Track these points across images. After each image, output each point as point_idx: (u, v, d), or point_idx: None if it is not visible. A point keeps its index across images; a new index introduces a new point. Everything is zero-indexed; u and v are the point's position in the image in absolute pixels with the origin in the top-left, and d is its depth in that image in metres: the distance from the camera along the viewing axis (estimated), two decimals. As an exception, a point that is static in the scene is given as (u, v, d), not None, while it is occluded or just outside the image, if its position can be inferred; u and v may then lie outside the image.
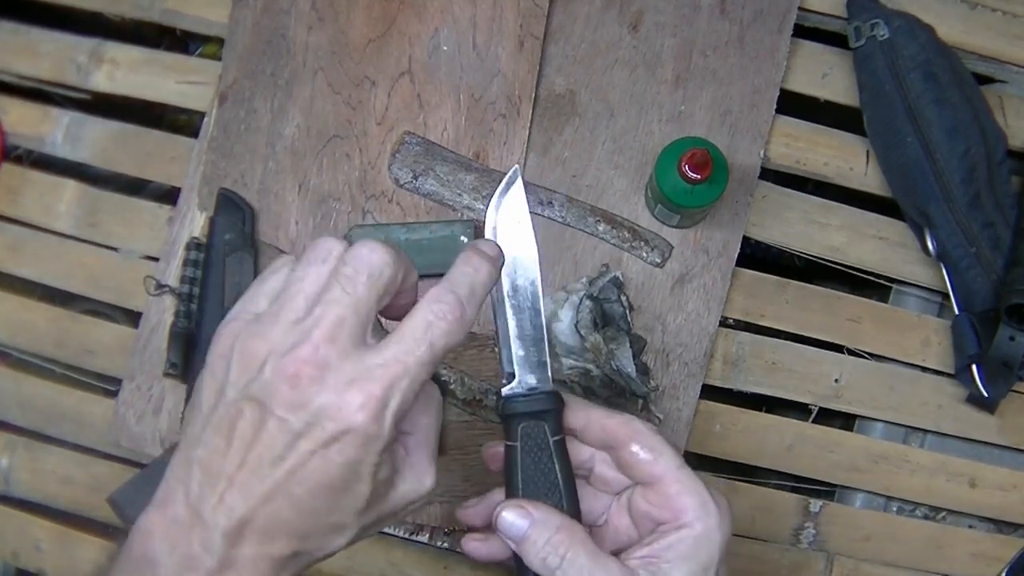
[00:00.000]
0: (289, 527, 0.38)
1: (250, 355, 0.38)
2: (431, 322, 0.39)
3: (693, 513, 0.44)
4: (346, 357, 0.37)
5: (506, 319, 0.47)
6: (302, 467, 0.37)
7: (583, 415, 0.47)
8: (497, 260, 0.43)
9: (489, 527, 0.47)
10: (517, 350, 0.47)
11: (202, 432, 0.38)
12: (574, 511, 0.46)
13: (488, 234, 0.48)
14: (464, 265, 0.41)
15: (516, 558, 0.45)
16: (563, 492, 0.46)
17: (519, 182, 0.48)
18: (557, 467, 0.46)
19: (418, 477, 0.42)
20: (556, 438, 0.46)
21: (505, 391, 0.47)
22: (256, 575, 0.38)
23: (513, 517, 0.44)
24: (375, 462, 0.38)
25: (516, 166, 0.49)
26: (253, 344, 0.38)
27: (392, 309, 0.41)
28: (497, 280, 0.44)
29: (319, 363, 0.37)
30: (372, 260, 0.39)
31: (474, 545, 0.48)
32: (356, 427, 0.37)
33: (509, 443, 0.46)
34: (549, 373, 0.47)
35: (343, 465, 0.37)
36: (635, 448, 0.46)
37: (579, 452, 0.48)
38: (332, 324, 0.38)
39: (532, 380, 0.47)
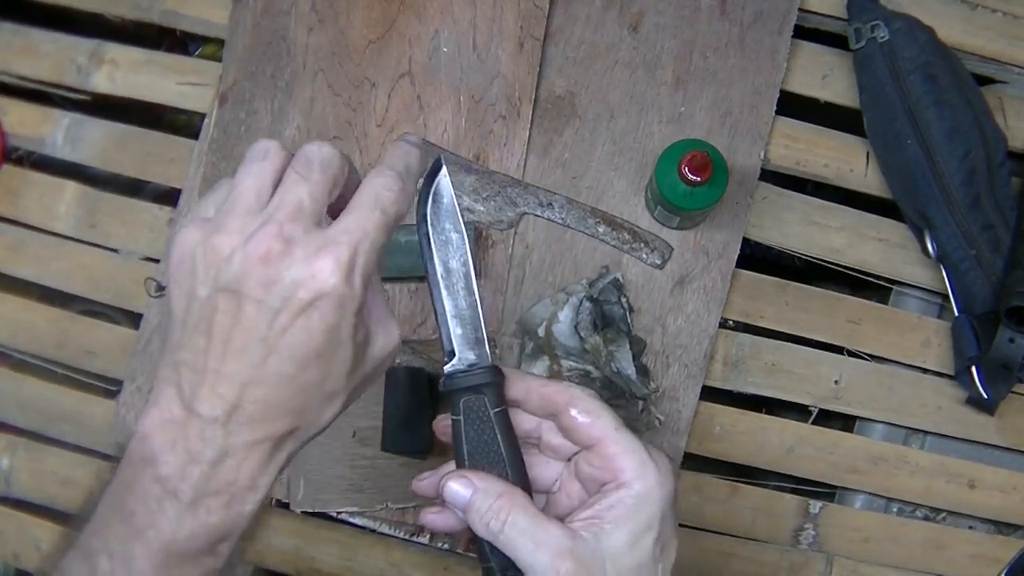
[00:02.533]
0: (283, 405, 0.39)
1: (214, 250, 0.39)
2: (379, 193, 0.42)
3: (632, 472, 0.45)
4: (309, 233, 0.39)
5: (442, 300, 0.50)
6: (285, 341, 0.38)
7: (523, 386, 0.49)
8: (420, 148, 0.47)
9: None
10: (455, 328, 0.49)
11: (181, 336, 0.40)
12: (520, 479, 0.47)
13: (418, 218, 0.50)
14: (395, 150, 0.45)
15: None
16: (507, 461, 0.47)
17: (444, 170, 0.50)
18: (499, 438, 0.48)
19: (387, 332, 0.44)
20: (497, 410, 0.48)
21: (447, 368, 0.49)
22: (256, 458, 0.39)
23: (457, 486, 0.46)
24: (352, 323, 0.40)
25: (441, 154, 0.51)
26: (216, 239, 0.39)
27: (339, 203, 0.43)
28: (423, 166, 0.47)
29: (286, 239, 0.39)
30: (323, 152, 0.41)
31: (430, 518, 0.50)
32: (330, 291, 0.38)
33: (453, 417, 0.48)
34: (487, 349, 0.49)
35: (324, 331, 0.39)
36: (573, 412, 0.47)
37: (525, 421, 0.50)
38: (293, 206, 0.39)
39: (471, 356, 0.49)
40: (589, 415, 0.47)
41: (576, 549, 0.44)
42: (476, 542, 0.47)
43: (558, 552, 0.43)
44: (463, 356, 0.49)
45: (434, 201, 0.50)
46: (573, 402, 0.47)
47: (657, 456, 0.46)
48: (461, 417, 0.48)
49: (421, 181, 0.49)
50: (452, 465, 0.49)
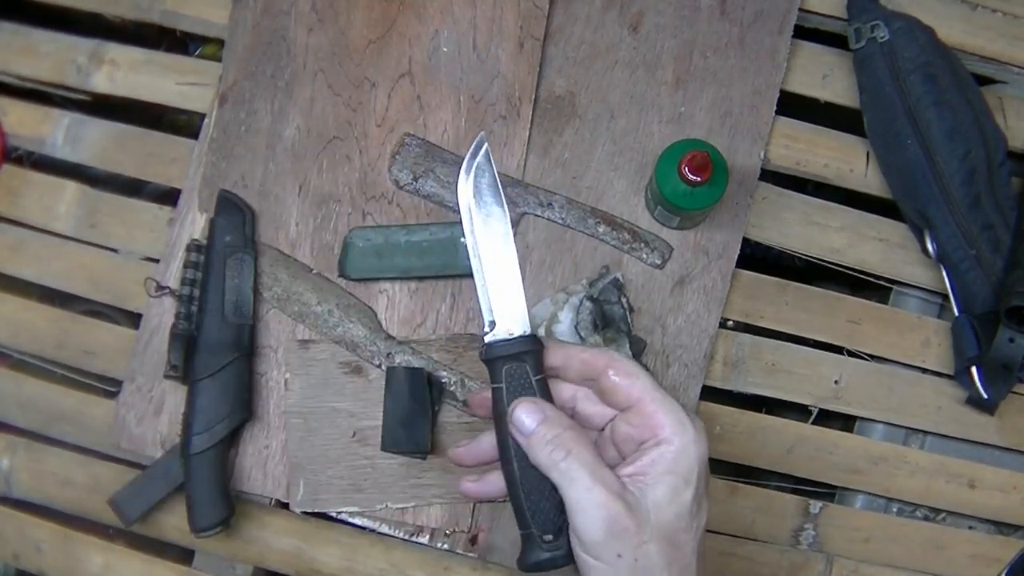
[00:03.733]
0: None
1: None
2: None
3: (671, 429, 0.47)
4: None
5: (482, 271, 0.51)
6: None
7: (562, 353, 0.51)
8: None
9: (480, 466, 0.52)
10: (496, 299, 0.51)
11: None
12: None
13: (460, 192, 0.52)
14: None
15: (513, 483, 0.49)
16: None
17: (486, 146, 0.53)
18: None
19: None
20: (538, 377, 0.49)
21: (487, 339, 0.50)
22: None
23: (525, 412, 0.48)
24: None
25: (482, 133, 0.54)
26: None
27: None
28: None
29: None
30: None
31: (469, 486, 0.53)
32: None
33: (495, 385, 0.49)
34: (527, 319, 0.51)
35: None
36: (612, 375, 0.49)
37: (561, 391, 0.52)
38: None
39: (512, 326, 0.50)
40: (628, 376, 0.48)
41: (626, 495, 0.45)
42: (518, 510, 0.49)
43: (613, 493, 0.45)
44: (504, 326, 0.50)
45: (476, 176, 0.52)
46: (612, 364, 0.49)
47: (693, 417, 0.48)
48: (503, 384, 0.49)
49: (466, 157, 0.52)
50: (490, 435, 0.51)
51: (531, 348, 0.49)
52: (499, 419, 0.49)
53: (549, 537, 0.48)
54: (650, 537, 0.45)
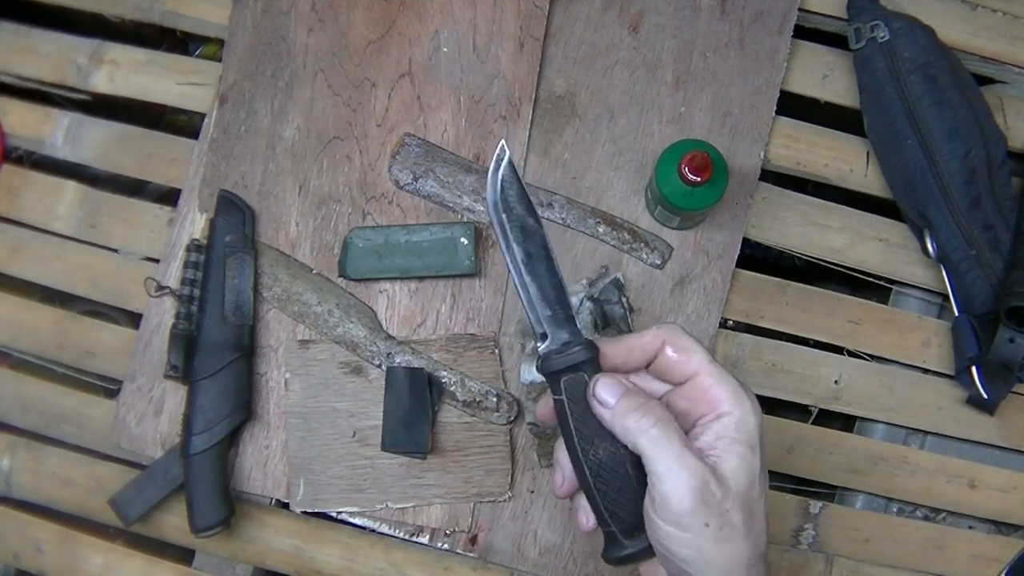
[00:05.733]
0: None
1: None
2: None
3: (729, 401, 0.47)
4: None
5: (526, 284, 0.50)
6: None
7: (621, 349, 0.50)
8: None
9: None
10: (543, 311, 0.50)
11: None
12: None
13: (491, 208, 0.51)
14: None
15: (589, 488, 0.48)
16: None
17: (507, 156, 0.51)
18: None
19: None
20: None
21: (542, 350, 0.50)
22: None
23: (605, 388, 0.48)
24: None
25: (502, 141, 0.52)
26: None
27: None
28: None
29: None
30: None
31: (581, 517, 0.51)
32: None
33: (556, 397, 0.49)
34: (577, 326, 0.50)
35: None
36: (669, 351, 0.49)
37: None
38: None
39: (564, 335, 0.50)
40: (684, 352, 0.48)
41: (710, 463, 0.46)
42: (597, 512, 0.49)
43: (702, 459, 0.45)
44: (556, 336, 0.50)
45: (503, 190, 0.51)
46: (670, 340, 0.49)
47: (747, 387, 0.48)
48: (563, 396, 0.48)
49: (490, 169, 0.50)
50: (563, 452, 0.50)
51: (587, 357, 0.49)
52: (564, 428, 0.49)
53: (628, 540, 0.48)
54: (732, 505, 0.45)
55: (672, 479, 0.45)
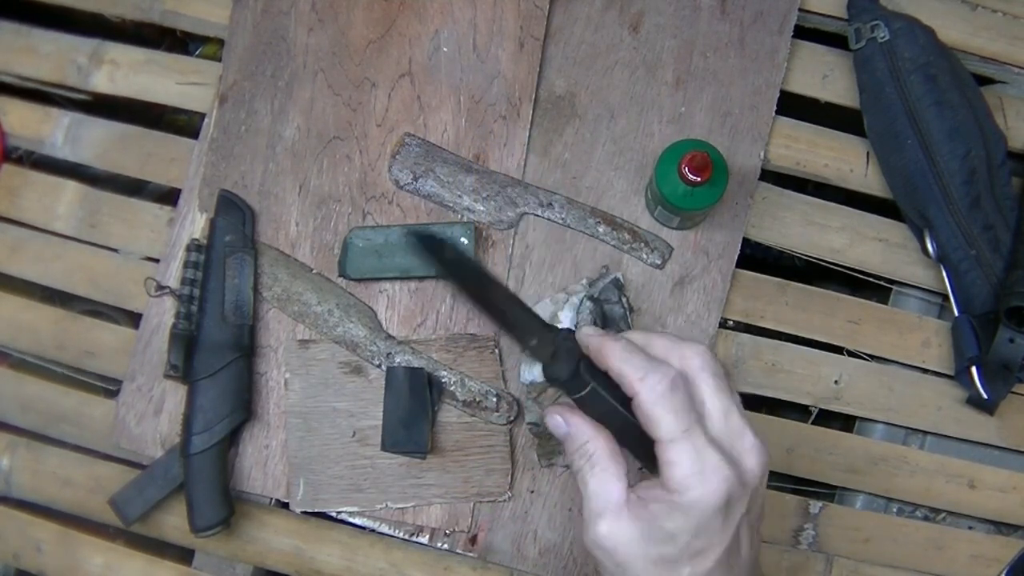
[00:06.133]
0: None
1: None
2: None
3: (680, 483, 0.45)
4: None
5: (503, 329, 0.51)
6: None
7: (595, 353, 0.49)
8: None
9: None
10: (531, 342, 0.50)
11: None
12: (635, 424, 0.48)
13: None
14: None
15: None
16: (624, 410, 0.48)
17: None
18: (613, 402, 0.49)
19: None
20: (587, 390, 0.49)
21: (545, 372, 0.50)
22: None
23: (552, 424, 0.50)
24: None
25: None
26: None
27: None
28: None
29: None
30: None
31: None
32: None
33: (575, 397, 0.50)
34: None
35: None
36: (635, 404, 0.47)
37: None
38: None
39: (557, 337, 0.50)
40: (649, 421, 0.47)
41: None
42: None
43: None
44: (555, 339, 0.50)
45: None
46: (637, 396, 0.47)
47: (725, 462, 0.47)
48: (592, 382, 0.49)
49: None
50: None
51: (568, 376, 0.49)
52: (604, 415, 0.49)
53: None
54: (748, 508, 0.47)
55: (707, 476, 0.45)
